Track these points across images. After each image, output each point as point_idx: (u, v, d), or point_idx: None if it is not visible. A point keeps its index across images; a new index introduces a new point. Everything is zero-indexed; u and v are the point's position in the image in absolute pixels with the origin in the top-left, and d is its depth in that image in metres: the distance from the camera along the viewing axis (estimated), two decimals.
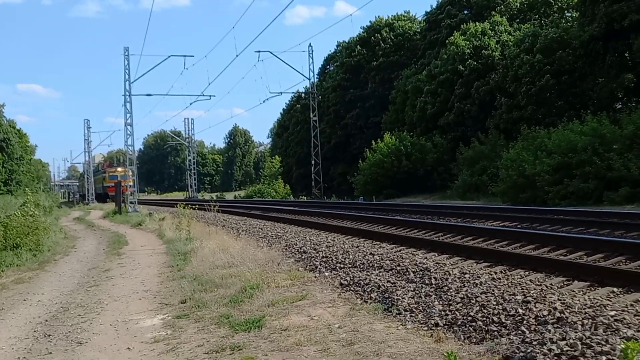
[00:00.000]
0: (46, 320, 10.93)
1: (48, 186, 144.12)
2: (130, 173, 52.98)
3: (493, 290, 8.84)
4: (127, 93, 46.23)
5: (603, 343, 6.26)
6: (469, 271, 10.57)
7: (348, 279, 11.33)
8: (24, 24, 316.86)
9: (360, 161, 58.76)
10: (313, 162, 68.04)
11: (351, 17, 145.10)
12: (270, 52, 62.05)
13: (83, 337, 9.42)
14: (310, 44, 79.46)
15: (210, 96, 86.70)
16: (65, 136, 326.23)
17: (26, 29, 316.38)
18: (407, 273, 10.95)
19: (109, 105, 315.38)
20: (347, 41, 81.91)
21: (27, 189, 52.07)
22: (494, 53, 51.32)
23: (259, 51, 61.18)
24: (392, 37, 73.93)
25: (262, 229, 23.14)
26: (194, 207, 27.29)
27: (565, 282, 9.77)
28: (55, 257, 21.01)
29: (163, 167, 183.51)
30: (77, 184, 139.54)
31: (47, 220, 29.93)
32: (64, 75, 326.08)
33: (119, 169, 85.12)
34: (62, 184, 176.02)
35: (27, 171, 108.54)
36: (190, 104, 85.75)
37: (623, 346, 5.23)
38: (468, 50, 52.85)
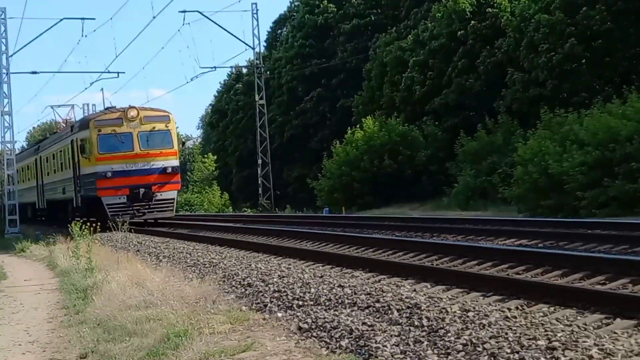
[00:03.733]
0: None
1: None
2: (175, 134, 43.97)
3: (507, 334, 8.87)
4: (4, 71, 45.79)
5: None
6: (474, 308, 10.58)
7: (309, 320, 11.32)
8: None
9: (324, 159, 58.65)
10: (260, 161, 67.48)
11: None
12: (200, 13, 61.82)
13: None
14: (254, 2, 75.49)
15: (118, 73, 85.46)
16: None
17: None
18: (389, 312, 10.96)
19: None
20: None
21: None
22: (502, 13, 51.36)
23: (184, 11, 60.80)
24: None
25: (190, 254, 22.99)
26: (94, 224, 27.15)
27: (604, 321, 9.79)
28: None
29: None
30: None
31: None
32: None
33: (145, 111, 43.55)
34: None
35: None
36: (91, 84, 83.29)
37: None
38: (470, 8, 52.98)
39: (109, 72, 60.69)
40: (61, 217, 50.04)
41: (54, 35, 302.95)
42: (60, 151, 48.48)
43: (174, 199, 42.01)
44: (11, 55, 45.72)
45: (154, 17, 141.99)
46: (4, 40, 45.64)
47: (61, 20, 47.40)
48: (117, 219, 31.72)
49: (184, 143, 49.18)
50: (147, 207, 40.53)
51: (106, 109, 46.08)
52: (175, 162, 42.08)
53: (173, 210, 42.02)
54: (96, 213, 39.90)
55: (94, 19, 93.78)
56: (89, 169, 41.16)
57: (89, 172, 41.29)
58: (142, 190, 39.93)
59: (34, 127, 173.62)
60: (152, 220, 42.12)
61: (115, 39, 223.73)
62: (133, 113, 40.74)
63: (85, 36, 75.01)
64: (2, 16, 45.53)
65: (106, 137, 40.63)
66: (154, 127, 41.53)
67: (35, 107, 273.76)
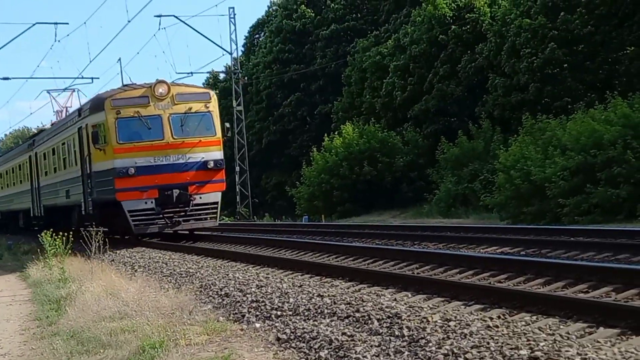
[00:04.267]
0: None
1: None
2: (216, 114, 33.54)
3: (488, 343, 8.88)
4: None
5: None
6: (455, 317, 10.58)
7: (288, 331, 11.31)
8: None
9: (303, 166, 58.68)
10: (238, 168, 67.33)
11: None
12: (176, 17, 61.25)
13: None
14: (232, 7, 75.69)
15: (92, 79, 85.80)
16: None
17: None
18: (369, 321, 10.95)
19: None
20: None
21: None
22: (482, 17, 51.55)
23: (159, 15, 60.48)
24: None
25: (166, 263, 22.91)
26: (67, 232, 27.01)
27: (587, 330, 9.80)
28: None
29: None
30: None
31: None
32: None
33: (178, 87, 35.29)
34: None
35: None
36: (64, 89, 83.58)
37: None
38: (450, 13, 53.19)
39: (82, 77, 61.09)
40: (64, 227, 33.27)
41: (27, 40, 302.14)
42: (63, 144, 38.28)
43: (217, 202, 32.65)
44: None
45: (129, 21, 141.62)
46: None
47: (34, 25, 47.29)
48: (144, 231, 29.68)
49: (228, 129, 35.31)
50: (182, 213, 31.15)
51: (124, 85, 35.68)
52: (219, 154, 32.77)
53: (216, 217, 33.00)
54: (114, 222, 33.10)
55: (67, 23, 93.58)
56: (105, 164, 31.46)
57: (104, 168, 31.58)
58: (175, 192, 30.70)
59: (5, 135, 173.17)
60: (186, 232, 33.83)
61: (89, 44, 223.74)
62: (162, 89, 31.22)
63: (59, 41, 73.89)
64: None
65: (127, 121, 31.19)
66: (190, 108, 32.00)
67: (7, 114, 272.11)
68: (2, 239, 47.82)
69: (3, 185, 59.70)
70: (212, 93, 32.96)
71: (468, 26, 51.82)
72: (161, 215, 29.70)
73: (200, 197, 30.75)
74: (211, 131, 31.76)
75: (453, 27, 52.33)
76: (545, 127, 37.56)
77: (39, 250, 28.41)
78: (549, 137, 35.95)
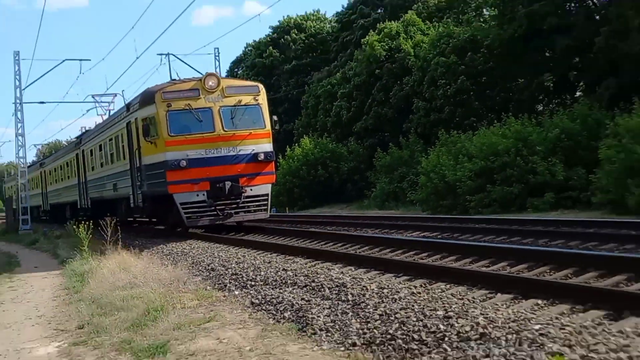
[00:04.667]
0: None
1: None
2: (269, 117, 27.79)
3: (413, 306, 8.89)
4: (18, 101, 44.98)
5: (528, 359, 6.39)
6: (388, 286, 10.58)
7: (259, 297, 11.29)
8: None
9: None
10: None
11: (259, 16, 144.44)
12: (173, 55, 61.26)
13: None
14: (217, 47, 78.85)
15: (108, 102, 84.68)
16: None
17: None
18: (322, 289, 10.94)
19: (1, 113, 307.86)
20: (256, 41, 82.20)
21: None
22: (408, 56, 51.94)
23: (161, 54, 60.18)
24: (303, 38, 74.46)
25: (166, 245, 22.84)
26: (87, 222, 26.56)
27: (488, 295, 9.84)
28: None
29: None
30: None
31: None
32: None
33: (228, 80, 31.16)
34: None
35: None
36: (87, 111, 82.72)
37: None
38: (384, 53, 53.53)
39: (102, 101, 59.88)
40: (110, 217, 28.82)
41: (58, 72, 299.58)
42: (111, 139, 32.70)
43: (267, 195, 27.14)
44: (24, 89, 44.89)
45: (137, 58, 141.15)
46: (18, 77, 44.86)
47: (64, 61, 46.57)
48: (195, 224, 24.79)
49: (276, 122, 29.03)
50: (234, 205, 26.09)
51: (172, 80, 30.12)
52: (268, 146, 27.12)
53: (267, 209, 27.45)
54: (165, 215, 28.15)
55: (89, 59, 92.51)
56: (156, 157, 26.20)
57: (155, 161, 26.28)
58: (227, 184, 25.55)
59: (42, 145, 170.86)
60: (234, 224, 28.14)
61: (107, 76, 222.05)
62: (212, 82, 26.39)
63: (83, 73, 73.45)
64: (17, 58, 44.81)
65: (179, 114, 26.04)
66: (239, 101, 26.75)
67: (42, 130, 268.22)
68: (39, 227, 46.99)
69: (52, 181, 52.85)
70: (261, 86, 27.34)
71: (397, 63, 52.08)
72: (213, 208, 24.78)
73: (251, 190, 25.62)
74: (260, 123, 26.22)
75: (386, 64, 52.62)
76: (456, 140, 38.28)
77: (68, 235, 28.17)
78: (459, 147, 36.70)
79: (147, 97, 25.76)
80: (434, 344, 7.35)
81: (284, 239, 23.09)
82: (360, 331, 8.35)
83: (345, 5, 67.69)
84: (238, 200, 24.68)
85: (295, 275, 12.55)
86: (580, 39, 36.66)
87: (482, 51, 43.56)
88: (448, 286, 10.92)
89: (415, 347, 7.45)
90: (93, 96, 51.56)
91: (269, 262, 15.10)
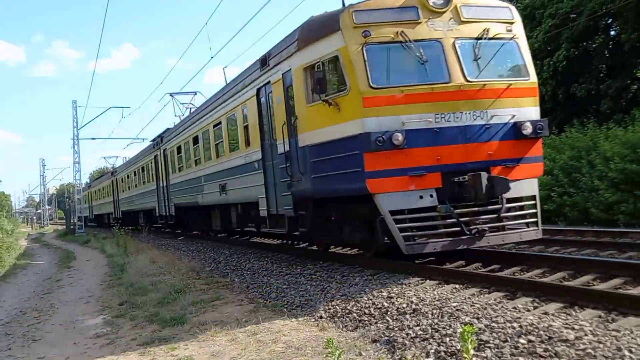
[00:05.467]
0: (7, 322, 10.51)
1: (10, 213, 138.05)
2: None
3: (365, 289, 8.92)
4: (75, 137, 44.70)
5: (447, 327, 6.43)
6: (349, 274, 10.61)
7: (253, 282, 11.28)
8: None
9: None
10: None
11: None
12: (192, 104, 60.85)
13: (37, 335, 9.10)
14: None
15: (143, 139, 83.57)
16: (24, 171, 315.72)
17: None
18: (300, 279, 10.93)
19: (61, 146, 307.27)
20: None
21: None
22: None
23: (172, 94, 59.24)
24: None
25: (184, 244, 22.68)
26: (127, 228, 26.14)
27: (420, 282, 9.79)
28: (15, 271, 20.20)
29: None
30: (34, 210, 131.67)
31: (10, 241, 28.85)
32: (24, 122, 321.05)
33: None
34: (21, 211, 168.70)
35: None
36: (127, 145, 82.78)
37: (462, 329, 5.40)
38: None
39: (137, 138, 59.55)
40: (209, 230, 22.97)
41: (106, 116, 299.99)
42: (217, 125, 17.36)
43: (536, 197, 10.01)
44: (80, 129, 44.44)
45: (165, 105, 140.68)
46: (75, 120, 44.54)
47: (110, 108, 46.06)
48: (419, 250, 9.45)
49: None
50: (488, 216, 9.55)
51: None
52: (535, 111, 10.03)
53: (539, 223, 9.92)
54: (350, 231, 11.36)
55: (129, 107, 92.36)
56: (336, 129, 9.89)
57: (333, 137, 9.97)
58: (482, 178, 9.18)
59: (93, 170, 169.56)
60: (482, 247, 10.50)
61: (142, 119, 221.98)
62: None
63: (124, 117, 73.64)
64: (74, 105, 44.61)
65: (385, 49, 9.55)
66: (486, 31, 9.90)
67: (95, 160, 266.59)
68: (90, 230, 46.66)
69: (125, 188, 38.62)
70: (514, 9, 10.66)
71: None
72: (451, 220, 9.40)
73: (514, 186, 9.67)
74: (521, 71, 10.26)
75: None
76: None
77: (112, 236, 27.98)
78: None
79: (322, 25, 10.46)
80: (380, 317, 7.38)
81: (276, 240, 21.10)
82: (326, 308, 8.35)
83: None
84: (497, 207, 9.73)
85: (279, 267, 12.49)
86: None
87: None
88: (391, 275, 10.30)
89: (366, 319, 7.47)
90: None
91: (259, 259, 15.01)
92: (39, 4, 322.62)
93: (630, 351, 5.15)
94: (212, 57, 65.12)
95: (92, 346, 7.98)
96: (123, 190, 39.55)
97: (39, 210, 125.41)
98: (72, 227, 47.12)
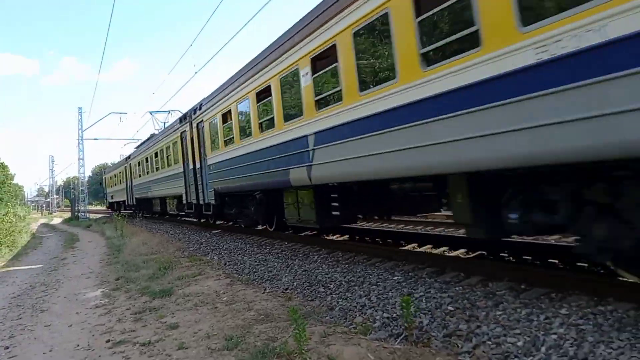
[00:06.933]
0: (18, 295, 10.18)
1: (23, 202, 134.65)
2: None
3: (322, 265, 8.87)
4: (80, 138, 43.85)
5: (391, 297, 6.39)
6: (310, 253, 10.54)
7: (229, 260, 11.14)
8: (10, 89, 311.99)
9: None
10: None
11: None
12: (179, 111, 59.75)
13: (45, 306, 8.84)
14: None
15: (138, 140, 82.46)
16: (36, 165, 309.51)
17: (12, 92, 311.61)
18: (269, 258, 10.83)
19: (68, 144, 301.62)
20: None
21: (9, 203, 48.21)
22: None
23: (169, 111, 58.05)
24: None
25: (172, 228, 22.29)
26: (125, 214, 25.49)
27: (366, 259, 9.69)
28: (27, 251, 19.63)
29: None
30: (44, 199, 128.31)
31: (22, 225, 28.11)
32: (37, 123, 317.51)
33: None
34: (32, 200, 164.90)
35: (7, 192, 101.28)
36: (124, 144, 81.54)
37: (401, 299, 5.38)
38: None
39: (133, 139, 58.32)
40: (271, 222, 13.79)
41: (107, 120, 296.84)
42: (266, 88, 10.10)
43: None
44: (84, 130, 43.58)
45: (156, 111, 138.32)
46: (80, 124, 43.69)
47: (109, 114, 45.36)
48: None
49: None
50: None
51: None
52: None
53: None
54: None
55: (126, 113, 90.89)
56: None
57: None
58: None
59: (95, 165, 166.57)
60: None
61: (138, 123, 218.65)
62: None
63: (122, 121, 71.91)
64: (80, 111, 43.73)
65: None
66: None
67: (96, 159, 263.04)
68: (92, 216, 45.78)
69: (141, 173, 27.99)
70: None
71: None
72: None
73: None
74: None
75: None
76: None
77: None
78: None
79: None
80: (335, 288, 7.34)
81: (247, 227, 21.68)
82: (291, 281, 8.28)
83: None
84: None
85: (251, 247, 12.34)
86: None
87: None
88: (344, 254, 10.01)
89: (322, 290, 7.42)
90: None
91: (234, 240, 14.84)
92: (52, 25, 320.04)
93: (538, 316, 5.19)
94: (195, 73, 64.19)
95: (92, 315, 7.79)
96: (140, 175, 28.63)
97: (48, 199, 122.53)
98: (76, 214, 46.30)
